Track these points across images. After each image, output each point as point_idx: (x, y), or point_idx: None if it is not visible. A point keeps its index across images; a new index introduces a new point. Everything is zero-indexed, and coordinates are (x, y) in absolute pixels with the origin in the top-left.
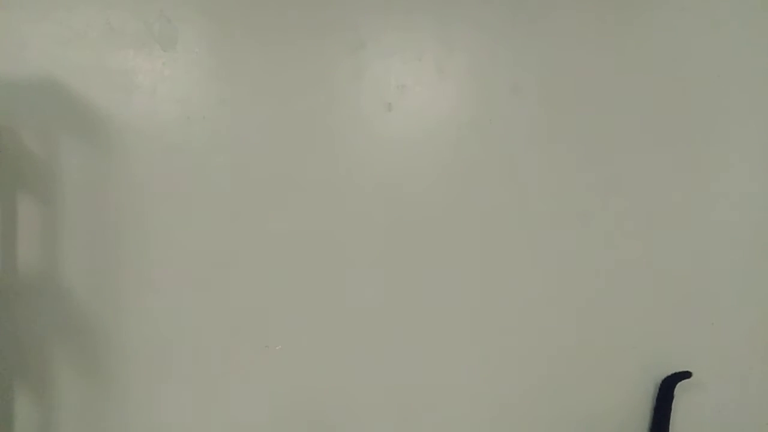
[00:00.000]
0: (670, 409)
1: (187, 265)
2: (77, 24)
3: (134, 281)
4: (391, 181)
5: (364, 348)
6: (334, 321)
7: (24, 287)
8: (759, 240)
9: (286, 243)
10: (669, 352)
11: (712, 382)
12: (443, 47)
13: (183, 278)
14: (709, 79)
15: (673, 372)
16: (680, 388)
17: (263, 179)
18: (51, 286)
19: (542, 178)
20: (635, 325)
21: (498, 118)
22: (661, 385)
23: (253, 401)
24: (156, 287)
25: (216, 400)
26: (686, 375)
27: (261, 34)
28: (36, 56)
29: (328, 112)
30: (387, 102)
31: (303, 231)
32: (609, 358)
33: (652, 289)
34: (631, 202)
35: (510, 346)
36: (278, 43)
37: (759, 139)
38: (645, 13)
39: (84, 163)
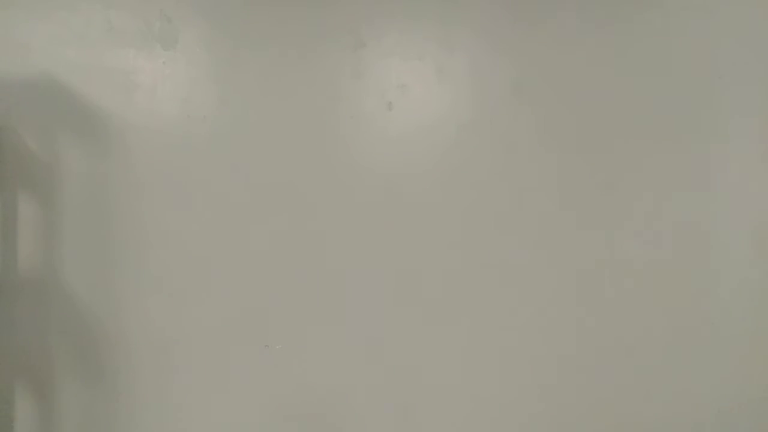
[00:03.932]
0: None
1: (187, 264)
2: (78, 24)
3: (134, 281)
4: (391, 180)
5: (364, 348)
6: (334, 321)
7: (24, 287)
8: (759, 240)
9: (286, 242)
10: (669, 352)
11: (712, 382)
12: (444, 47)
13: (183, 278)
14: (709, 79)
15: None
16: (680, 388)
17: (263, 178)
18: (51, 285)
19: (542, 177)
20: (635, 324)
21: (498, 117)
22: None
23: (252, 401)
24: (156, 287)
25: (216, 399)
26: None
27: (261, 34)
28: (37, 56)
29: (328, 112)
30: (388, 101)
31: (303, 230)
32: (608, 359)
33: (652, 288)
34: (632, 202)
35: (509, 346)
36: (279, 43)
37: (759, 139)
38: (645, 13)
39: (84, 163)
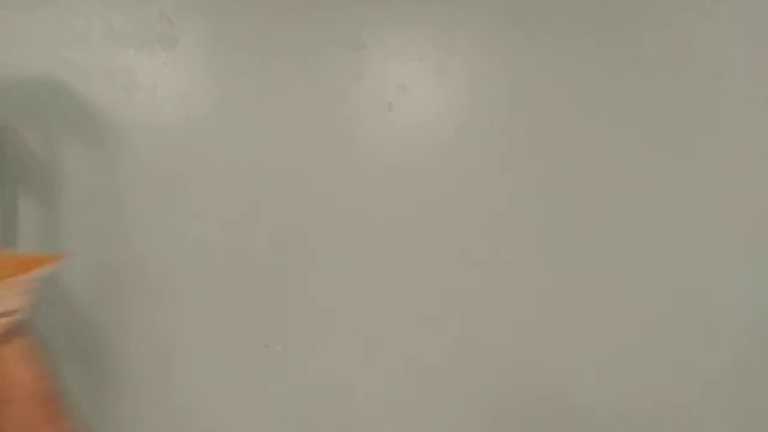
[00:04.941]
0: None
1: (187, 264)
2: (77, 24)
3: (134, 281)
4: (391, 180)
5: (365, 348)
6: (334, 321)
7: None
8: (759, 240)
9: (286, 242)
10: (669, 352)
11: (712, 382)
12: (444, 49)
13: (183, 278)
14: (708, 80)
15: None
16: (681, 387)
17: (264, 179)
18: (51, 286)
19: (541, 178)
20: (634, 325)
21: (499, 118)
22: None
23: (252, 401)
24: (156, 287)
25: (215, 400)
26: None
27: (262, 35)
28: (37, 56)
29: (328, 112)
30: (388, 102)
31: (303, 230)
32: (608, 359)
33: (652, 288)
34: (631, 202)
35: (509, 345)
36: (279, 44)
37: (759, 139)
38: (644, 14)
39: (85, 163)
